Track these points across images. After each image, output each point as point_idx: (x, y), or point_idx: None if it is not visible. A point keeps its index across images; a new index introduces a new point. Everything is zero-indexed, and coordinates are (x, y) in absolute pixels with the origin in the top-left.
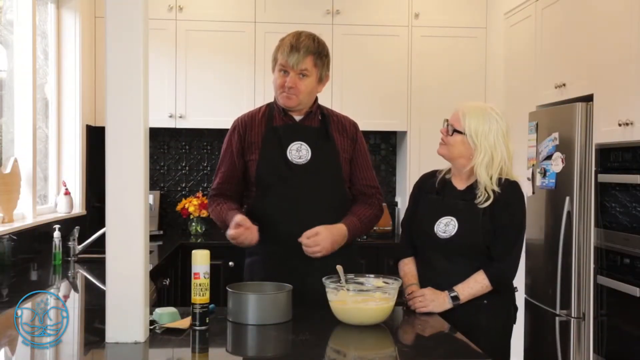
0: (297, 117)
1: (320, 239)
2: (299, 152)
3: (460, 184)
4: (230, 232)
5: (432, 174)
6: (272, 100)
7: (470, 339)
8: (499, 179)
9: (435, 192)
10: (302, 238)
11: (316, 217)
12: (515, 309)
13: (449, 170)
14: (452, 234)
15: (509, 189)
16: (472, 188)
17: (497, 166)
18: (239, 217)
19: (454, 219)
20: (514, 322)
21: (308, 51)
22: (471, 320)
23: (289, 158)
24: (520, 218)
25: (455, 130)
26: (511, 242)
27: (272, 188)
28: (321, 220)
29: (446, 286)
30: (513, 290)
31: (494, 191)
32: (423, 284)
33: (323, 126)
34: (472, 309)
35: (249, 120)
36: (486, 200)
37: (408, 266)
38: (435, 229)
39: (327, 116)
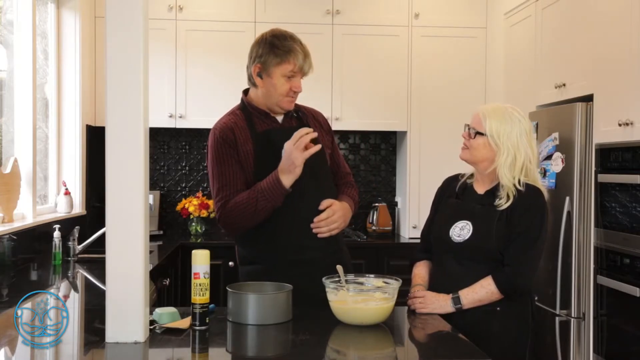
0: (279, 118)
1: (337, 216)
2: None
3: (480, 189)
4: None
5: (455, 178)
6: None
7: (483, 346)
8: (524, 183)
9: (455, 196)
10: (319, 217)
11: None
12: (534, 317)
13: (471, 175)
14: (466, 238)
15: (530, 195)
16: (492, 192)
17: (520, 167)
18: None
19: (469, 223)
20: (530, 330)
21: (310, 55)
22: (483, 327)
23: None
24: (538, 226)
25: (477, 133)
26: (524, 249)
27: None
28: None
29: (457, 291)
30: (530, 298)
31: (516, 191)
32: (435, 287)
33: (301, 124)
34: (484, 315)
35: (235, 127)
36: (507, 202)
37: (418, 268)
38: (450, 233)
39: (302, 113)
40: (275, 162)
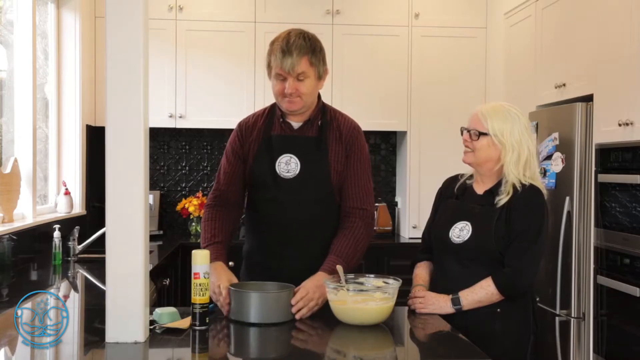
0: (296, 125)
1: (310, 296)
2: (287, 166)
3: (480, 189)
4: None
5: (455, 178)
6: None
7: (484, 346)
8: (524, 183)
9: (454, 196)
10: (295, 304)
11: (302, 234)
12: (536, 318)
13: (470, 176)
14: (466, 239)
15: (529, 194)
16: (492, 192)
17: (524, 162)
18: (222, 284)
19: (468, 223)
20: (533, 331)
21: (301, 52)
22: (484, 327)
23: (277, 172)
24: (537, 225)
25: (480, 133)
26: (524, 249)
27: (261, 202)
28: (308, 238)
29: (457, 292)
30: (531, 299)
31: (516, 188)
32: (436, 288)
33: (320, 135)
34: (485, 316)
35: (252, 125)
36: (507, 196)
37: (419, 269)
38: (450, 234)
39: (328, 122)
40: (267, 166)
